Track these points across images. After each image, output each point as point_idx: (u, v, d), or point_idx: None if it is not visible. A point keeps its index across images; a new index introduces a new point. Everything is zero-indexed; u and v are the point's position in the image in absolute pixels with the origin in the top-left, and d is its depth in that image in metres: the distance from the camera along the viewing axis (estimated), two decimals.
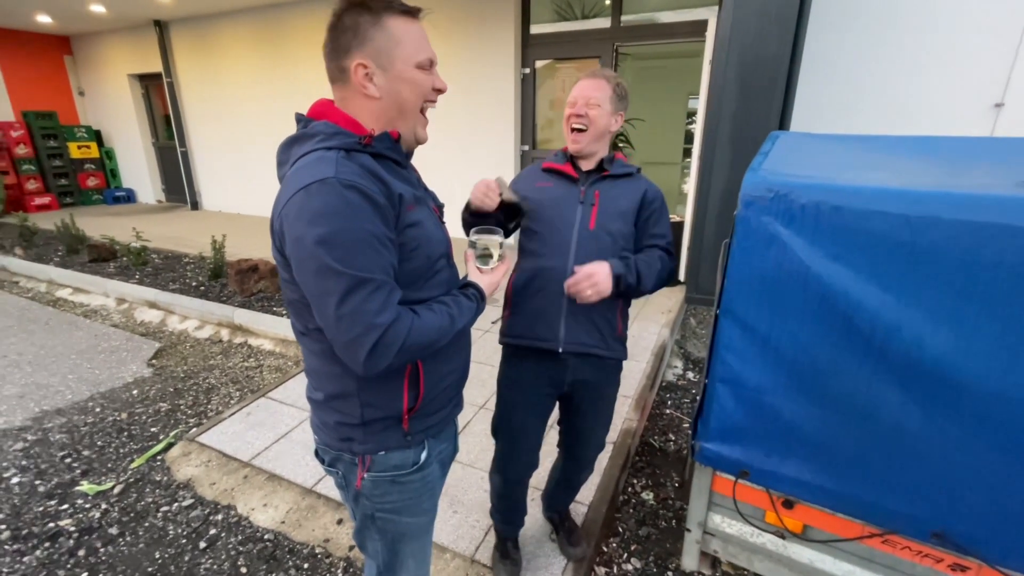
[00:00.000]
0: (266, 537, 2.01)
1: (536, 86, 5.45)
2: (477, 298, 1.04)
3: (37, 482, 2.35)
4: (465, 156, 5.84)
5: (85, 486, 2.31)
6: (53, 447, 2.61)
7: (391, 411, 0.98)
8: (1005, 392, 1.02)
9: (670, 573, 1.86)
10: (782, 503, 1.37)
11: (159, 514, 2.15)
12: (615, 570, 1.89)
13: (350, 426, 0.98)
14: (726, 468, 1.41)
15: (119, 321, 4.34)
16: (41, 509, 2.18)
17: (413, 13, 0.93)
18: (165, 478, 2.36)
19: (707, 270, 3.61)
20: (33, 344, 3.84)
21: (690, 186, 4.21)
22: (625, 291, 1.35)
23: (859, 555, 1.31)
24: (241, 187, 7.98)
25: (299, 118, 0.95)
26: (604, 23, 4.87)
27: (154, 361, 3.59)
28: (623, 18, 4.79)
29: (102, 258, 5.40)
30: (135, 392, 3.16)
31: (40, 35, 8.52)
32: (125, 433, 2.73)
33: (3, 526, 2.08)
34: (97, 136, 9.18)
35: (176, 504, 2.20)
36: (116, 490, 2.29)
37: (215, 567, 1.89)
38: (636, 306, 3.99)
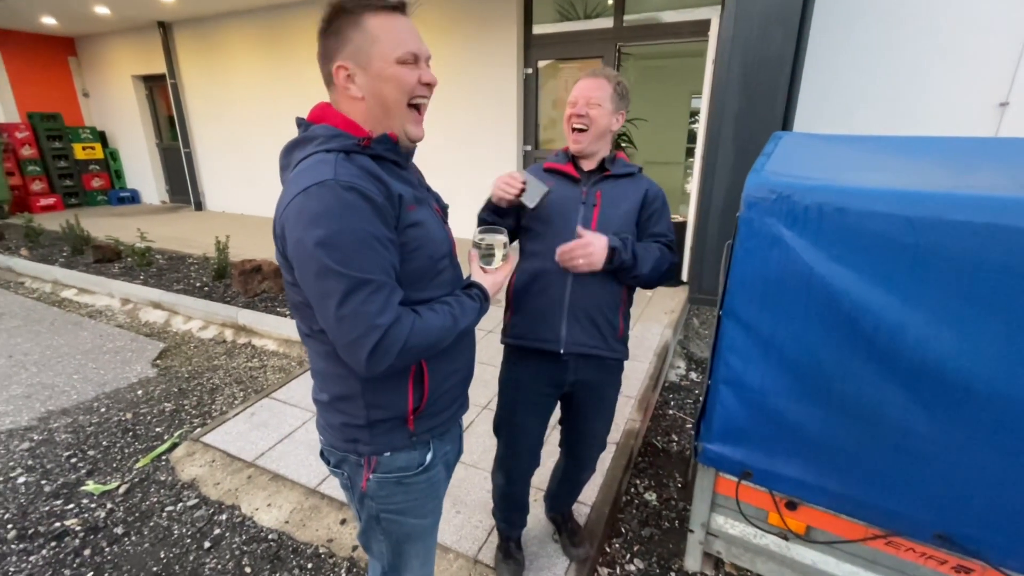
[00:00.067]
0: (270, 537, 2.02)
1: (538, 86, 5.45)
2: (480, 298, 1.04)
3: (43, 482, 2.37)
4: (467, 156, 5.84)
5: (90, 486, 2.33)
6: (59, 447, 2.63)
7: (396, 412, 0.99)
8: (1008, 393, 1.02)
9: (673, 574, 1.86)
10: (785, 504, 1.37)
11: (164, 514, 2.16)
12: (618, 571, 1.89)
13: (355, 427, 0.99)
14: (729, 469, 1.41)
15: (124, 321, 4.36)
16: (47, 509, 2.20)
17: (397, 8, 0.91)
18: (170, 478, 2.37)
19: (710, 270, 3.60)
20: (38, 344, 3.86)
21: (693, 186, 4.20)
22: (619, 268, 1.34)
23: (862, 557, 1.31)
24: (245, 188, 8.00)
25: (299, 122, 0.96)
26: (607, 23, 4.87)
27: (158, 361, 3.61)
28: (625, 18, 4.78)
29: (107, 259, 5.43)
30: (140, 392, 3.17)
31: (45, 37, 8.57)
32: (130, 433, 2.74)
33: (10, 525, 2.10)
34: (101, 137, 9.22)
35: (181, 504, 2.21)
36: (121, 490, 2.31)
37: (219, 567, 1.90)
38: (639, 306, 3.98)
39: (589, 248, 1.28)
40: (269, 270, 4.39)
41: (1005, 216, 0.97)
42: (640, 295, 4.20)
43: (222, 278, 4.72)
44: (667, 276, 1.46)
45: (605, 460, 2.30)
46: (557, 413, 1.66)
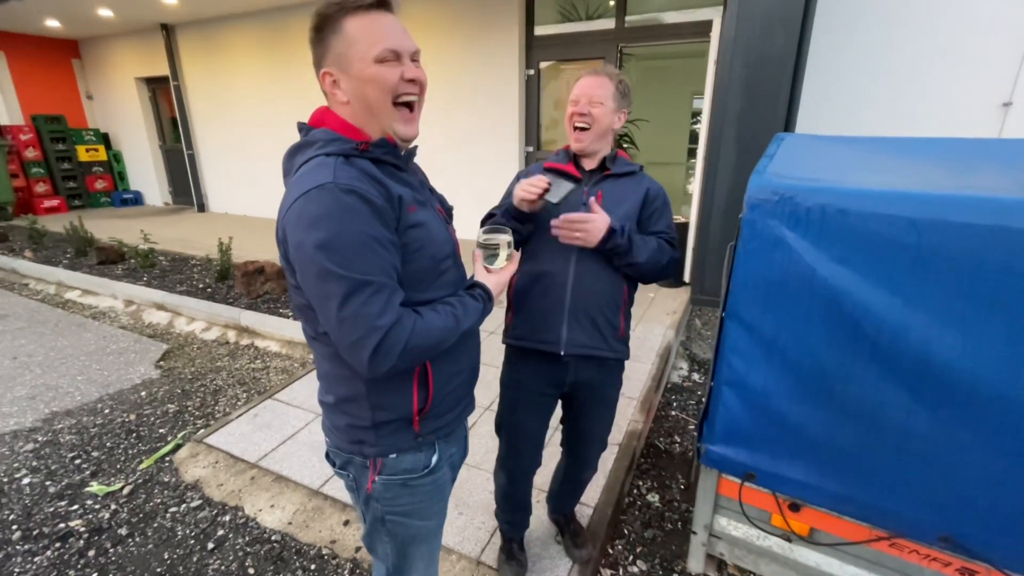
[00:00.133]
0: (273, 538, 2.03)
1: (540, 87, 5.45)
2: (484, 298, 1.04)
3: (47, 483, 2.38)
4: (469, 158, 5.85)
5: (94, 487, 2.33)
6: (63, 448, 2.64)
7: (401, 413, 0.99)
8: (1012, 395, 1.01)
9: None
10: (788, 506, 1.36)
11: (168, 515, 2.17)
12: (621, 572, 1.89)
13: (361, 429, 0.99)
14: (732, 471, 1.41)
15: (127, 323, 4.38)
16: (51, 510, 2.21)
17: (378, 5, 0.89)
18: (173, 479, 2.38)
19: (712, 271, 3.60)
20: (43, 346, 3.88)
21: (695, 186, 4.20)
22: (612, 251, 1.34)
23: (866, 558, 1.31)
24: (247, 189, 8.03)
25: (300, 127, 0.96)
26: (608, 24, 4.87)
27: (162, 363, 3.62)
28: (627, 19, 4.78)
29: (110, 260, 5.45)
30: (143, 394, 3.18)
31: (49, 39, 8.61)
32: (134, 434, 2.75)
33: (14, 526, 2.11)
34: (105, 139, 9.26)
35: (184, 505, 2.22)
36: (125, 491, 2.31)
37: (223, 568, 1.90)
38: (641, 307, 3.98)
39: (589, 224, 1.28)
40: (272, 271, 4.41)
41: (1008, 218, 0.97)
42: (642, 296, 4.20)
43: (225, 279, 4.73)
44: (667, 271, 1.46)
45: (607, 461, 2.30)
46: (559, 412, 1.66)
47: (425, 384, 1.00)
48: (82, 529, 2.09)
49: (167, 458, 2.53)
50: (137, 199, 9.51)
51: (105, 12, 6.88)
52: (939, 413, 1.09)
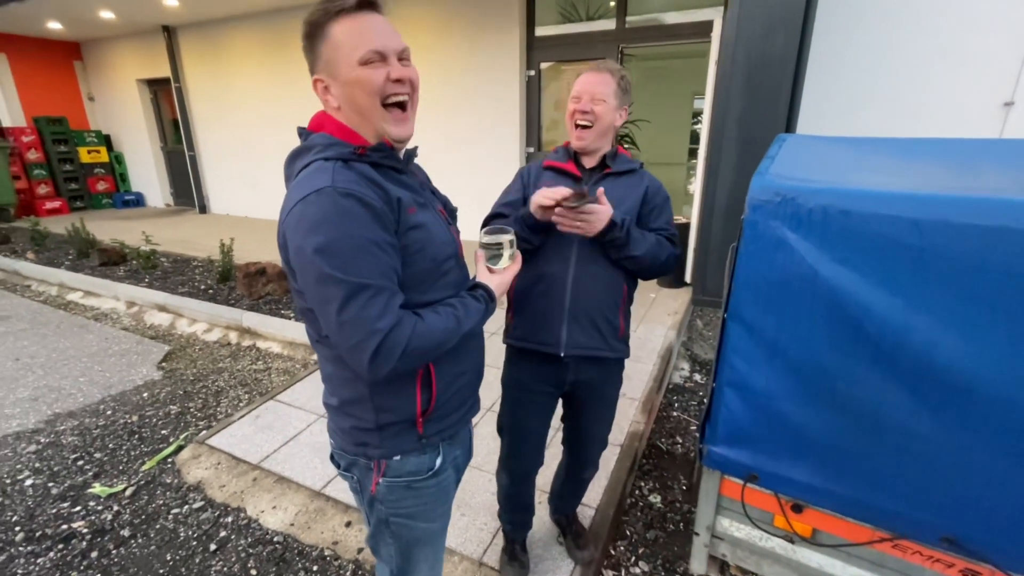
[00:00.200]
0: (275, 539, 2.03)
1: (541, 88, 5.45)
2: (486, 299, 1.04)
3: (50, 484, 2.38)
4: (470, 159, 5.85)
5: (97, 488, 2.34)
6: (65, 449, 2.64)
7: (405, 415, 0.99)
8: (1015, 396, 1.01)
9: None
10: (791, 507, 1.36)
11: (170, 516, 2.17)
12: (623, 573, 1.89)
13: (365, 431, 0.99)
14: (734, 472, 1.41)
15: (129, 324, 4.38)
16: (54, 511, 2.21)
17: (363, 6, 0.88)
18: (175, 480, 2.38)
19: (713, 272, 3.60)
20: (45, 347, 3.88)
21: (696, 187, 4.20)
22: (610, 243, 1.34)
23: (869, 559, 1.31)
24: (248, 190, 8.04)
25: (300, 132, 0.97)
26: (609, 24, 4.87)
27: (164, 364, 3.62)
28: (628, 19, 4.79)
29: (112, 262, 5.46)
30: (145, 395, 3.19)
31: (51, 41, 8.63)
32: (136, 436, 2.76)
33: (17, 528, 2.11)
34: (107, 141, 9.29)
35: (186, 506, 2.22)
36: (127, 492, 2.32)
37: (225, 569, 1.90)
38: (643, 307, 3.98)
39: (592, 216, 1.27)
40: (273, 272, 4.41)
41: (1010, 218, 0.97)
42: (644, 297, 4.20)
43: (226, 281, 4.74)
44: (667, 267, 1.45)
45: (609, 462, 2.30)
46: (560, 411, 1.67)
47: (428, 386, 1.00)
48: (85, 530, 2.10)
49: (169, 459, 2.54)
50: (139, 201, 9.53)
51: (107, 14, 6.89)
52: (941, 414, 1.09)
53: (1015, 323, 0.99)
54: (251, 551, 1.98)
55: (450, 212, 1.12)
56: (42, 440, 2.73)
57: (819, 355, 1.20)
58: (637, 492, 2.31)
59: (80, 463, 2.54)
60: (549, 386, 1.53)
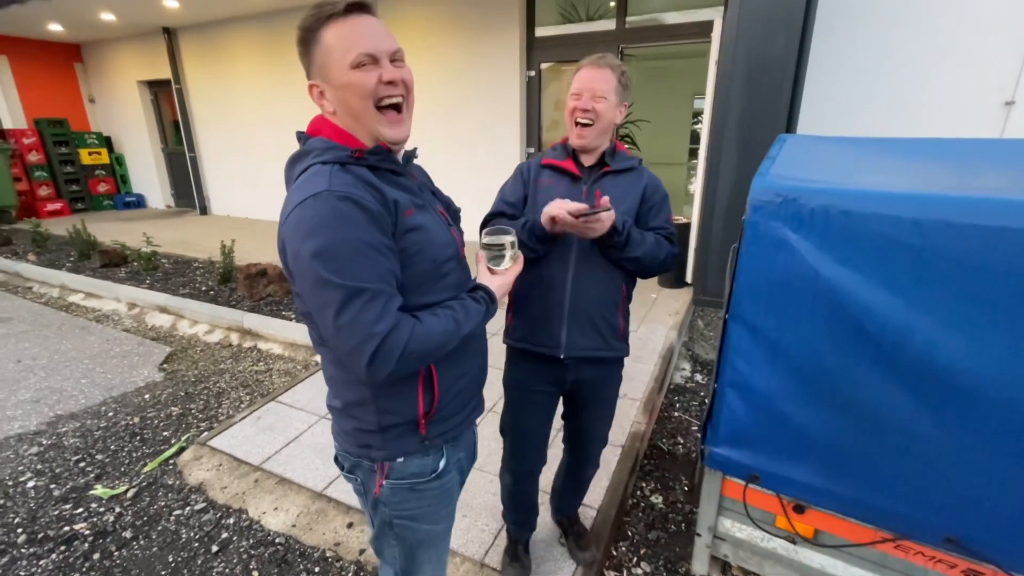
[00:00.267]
0: (277, 541, 2.03)
1: (541, 88, 5.45)
2: (486, 301, 1.03)
3: (52, 486, 2.39)
4: (470, 159, 5.85)
5: (99, 490, 2.34)
6: (67, 451, 2.65)
7: (407, 416, 0.99)
8: (1016, 396, 1.01)
9: None
10: (793, 508, 1.36)
11: (172, 518, 2.17)
12: (624, 574, 1.89)
13: (368, 432, 0.99)
14: (736, 472, 1.41)
15: (130, 326, 4.39)
16: (56, 513, 2.21)
17: (354, 9, 0.88)
18: (177, 482, 2.39)
19: (714, 272, 3.60)
20: (46, 349, 3.89)
21: (696, 187, 4.20)
22: (609, 245, 1.34)
23: (871, 560, 1.31)
24: (249, 192, 8.05)
25: (299, 136, 0.97)
26: (609, 25, 4.88)
27: (165, 365, 3.63)
28: (628, 19, 4.79)
29: (113, 263, 5.47)
30: (147, 396, 3.19)
31: (51, 43, 8.65)
32: (137, 437, 2.76)
33: (19, 529, 2.12)
34: (107, 142, 9.30)
35: (188, 508, 2.22)
36: (129, 494, 2.32)
37: (227, 571, 1.90)
38: (644, 308, 3.98)
39: (598, 225, 1.27)
40: (274, 274, 4.41)
41: (1012, 218, 0.97)
42: (644, 297, 4.19)
43: (227, 282, 4.75)
44: (666, 267, 1.45)
45: (611, 463, 2.30)
46: (560, 410, 1.67)
47: (430, 387, 1.00)
48: (87, 532, 2.10)
49: (171, 461, 2.54)
50: (139, 202, 9.55)
51: (107, 16, 6.91)
52: (943, 414, 1.09)
53: (1016, 323, 0.99)
54: (253, 552, 1.98)
55: (452, 213, 1.12)
56: (44, 442, 2.73)
57: (820, 355, 1.20)
58: (639, 493, 2.31)
59: (82, 465, 2.54)
60: (550, 385, 1.54)
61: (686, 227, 4.27)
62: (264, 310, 4.12)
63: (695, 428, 2.78)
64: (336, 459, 1.10)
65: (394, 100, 0.92)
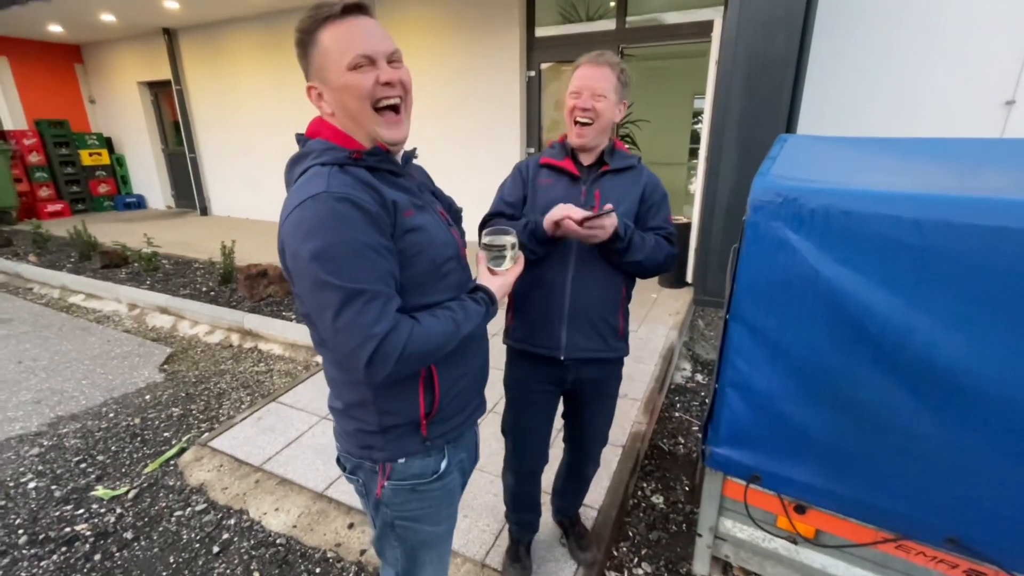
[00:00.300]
0: (278, 541, 2.03)
1: (541, 88, 5.45)
2: (486, 302, 1.03)
3: (53, 487, 2.39)
4: (470, 160, 5.85)
5: (100, 491, 2.34)
6: (68, 452, 2.65)
7: (408, 417, 0.99)
8: (1017, 397, 1.01)
9: None
10: (794, 508, 1.36)
11: (173, 519, 2.17)
12: (626, 574, 1.89)
13: (369, 433, 0.99)
14: (737, 473, 1.41)
15: (131, 327, 4.39)
16: (57, 514, 2.21)
17: (351, 10, 0.88)
18: (178, 483, 2.39)
19: (714, 272, 3.59)
20: (47, 350, 3.89)
21: (697, 187, 4.20)
22: (610, 250, 1.34)
23: (872, 560, 1.30)
24: (250, 192, 8.05)
25: (298, 138, 0.97)
26: (609, 25, 4.88)
27: (166, 366, 3.63)
28: (628, 19, 4.79)
29: (114, 264, 5.47)
30: (148, 397, 3.19)
31: (52, 44, 8.65)
32: (138, 438, 2.76)
33: (21, 531, 2.12)
34: (108, 143, 9.30)
35: (189, 509, 2.22)
36: (130, 495, 2.32)
37: (228, 571, 1.91)
38: (644, 308, 3.98)
39: (600, 231, 1.27)
40: (275, 274, 4.42)
41: (1013, 218, 0.96)
42: (645, 297, 4.19)
43: (228, 282, 4.75)
44: (665, 267, 1.45)
45: (611, 463, 2.30)
46: (560, 408, 1.67)
47: (431, 388, 1.00)
48: (88, 533, 2.10)
49: (172, 462, 2.54)
50: (140, 203, 9.55)
51: (107, 17, 6.91)
52: (944, 414, 1.09)
53: (1016, 323, 0.99)
54: (254, 553, 1.98)
55: (454, 214, 1.12)
56: (45, 443, 2.73)
57: (821, 356, 1.20)
58: (639, 493, 2.31)
59: (83, 466, 2.54)
60: (550, 385, 1.54)
61: (686, 227, 4.27)
62: (265, 311, 4.12)
63: (696, 428, 2.78)
64: (338, 460, 1.10)
65: (391, 101, 0.92)
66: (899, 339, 1.10)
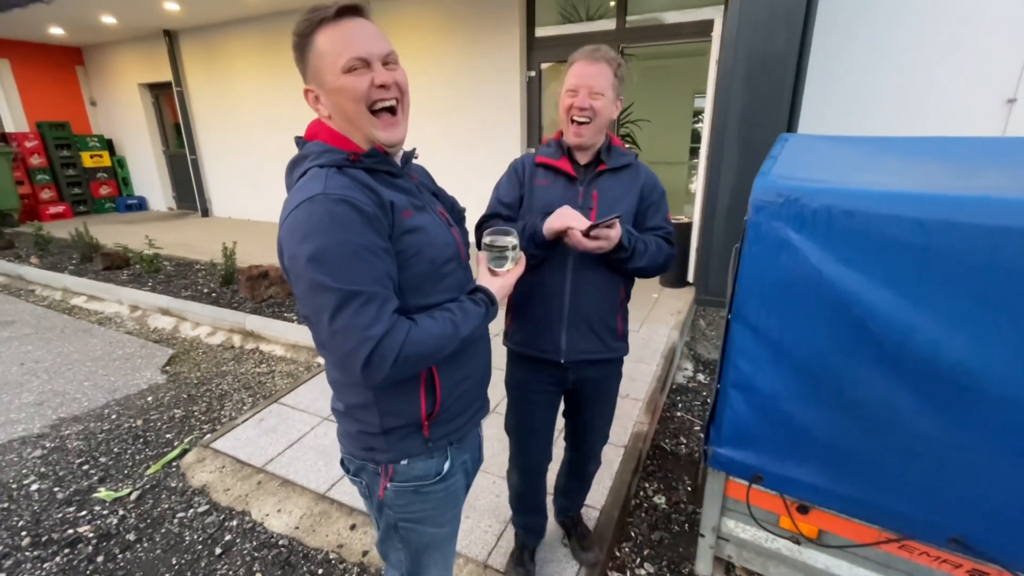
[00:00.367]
0: (280, 543, 2.03)
1: (541, 88, 5.45)
2: (486, 303, 1.02)
3: (56, 489, 2.39)
4: (470, 160, 5.85)
5: (102, 493, 2.35)
6: (71, 454, 2.65)
7: (410, 418, 0.99)
8: (1021, 396, 1.01)
9: None
10: (797, 508, 1.36)
11: (175, 520, 2.17)
12: (628, 575, 1.89)
13: (371, 435, 0.99)
14: (739, 473, 1.40)
15: (133, 328, 4.40)
16: (60, 516, 2.22)
17: (346, 12, 0.87)
18: (180, 484, 2.39)
19: (716, 271, 3.59)
20: (49, 352, 3.90)
21: (698, 186, 4.19)
22: (613, 259, 1.33)
23: (876, 560, 1.30)
24: (250, 193, 8.06)
25: (297, 140, 0.97)
26: (609, 24, 4.87)
27: (168, 368, 3.63)
28: (628, 19, 4.78)
29: (115, 266, 5.48)
30: (150, 399, 3.20)
31: (53, 47, 8.67)
32: (141, 440, 2.77)
33: (24, 533, 2.12)
34: (109, 145, 9.32)
35: (192, 510, 2.22)
36: (133, 496, 2.32)
37: (231, 573, 1.91)
38: (645, 308, 3.97)
39: (605, 243, 1.26)
40: (276, 275, 4.42)
41: (1015, 218, 0.96)
42: (646, 297, 4.19)
43: (229, 284, 4.75)
44: (664, 268, 1.45)
45: (613, 463, 2.30)
46: (561, 406, 1.67)
47: (432, 389, 0.99)
48: (91, 535, 2.10)
49: (174, 463, 2.54)
50: (141, 204, 9.56)
51: (108, 19, 6.92)
52: (947, 414, 1.09)
53: (1019, 322, 0.99)
54: (256, 554, 1.98)
55: (456, 214, 1.12)
56: (47, 445, 2.73)
57: (823, 355, 1.20)
58: (642, 493, 2.31)
59: (85, 467, 2.54)
60: (552, 385, 1.54)
61: (687, 226, 4.26)
62: (266, 312, 4.12)
63: (698, 428, 2.77)
64: (342, 463, 1.10)
65: (387, 103, 0.92)
66: (902, 339, 1.09)
